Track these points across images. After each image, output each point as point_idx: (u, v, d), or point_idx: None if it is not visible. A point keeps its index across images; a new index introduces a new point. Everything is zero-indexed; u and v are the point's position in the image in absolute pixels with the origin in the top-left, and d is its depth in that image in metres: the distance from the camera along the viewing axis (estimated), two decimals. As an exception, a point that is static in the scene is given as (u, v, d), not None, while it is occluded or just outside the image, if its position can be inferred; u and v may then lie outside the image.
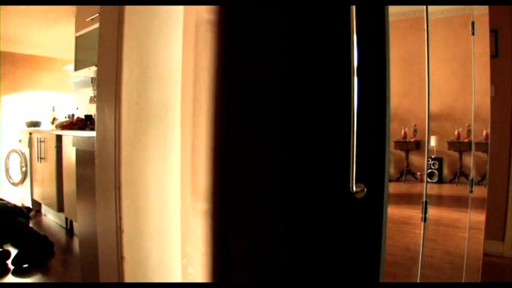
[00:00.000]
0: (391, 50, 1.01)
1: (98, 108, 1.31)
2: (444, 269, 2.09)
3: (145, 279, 1.25)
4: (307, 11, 1.18)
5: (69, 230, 3.93)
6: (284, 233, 1.28)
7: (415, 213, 1.64)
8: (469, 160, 2.38)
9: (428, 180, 2.12)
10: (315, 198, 1.18)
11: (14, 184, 5.09)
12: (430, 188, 1.71)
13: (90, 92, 4.52)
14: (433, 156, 2.50)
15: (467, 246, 2.15)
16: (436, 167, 2.53)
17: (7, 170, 5.18)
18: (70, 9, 4.21)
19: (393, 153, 2.18)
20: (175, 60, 1.30)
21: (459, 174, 2.50)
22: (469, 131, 2.36)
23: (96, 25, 3.51)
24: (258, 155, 1.35)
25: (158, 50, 1.26)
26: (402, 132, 2.19)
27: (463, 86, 2.38)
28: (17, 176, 5.02)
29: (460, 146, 2.49)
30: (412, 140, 2.13)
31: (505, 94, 3.03)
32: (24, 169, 4.85)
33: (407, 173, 2.13)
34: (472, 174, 2.27)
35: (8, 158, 5.16)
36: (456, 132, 2.49)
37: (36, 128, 4.93)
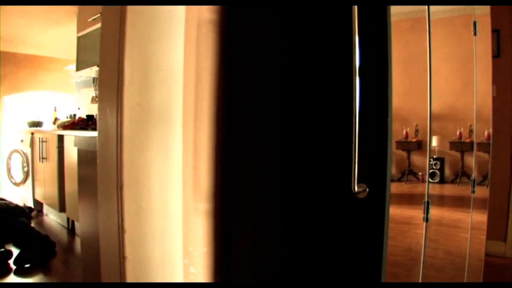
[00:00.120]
0: (392, 50, 1.00)
1: (99, 109, 1.31)
2: (446, 269, 2.09)
3: (147, 279, 1.25)
4: (309, 11, 1.18)
5: (71, 230, 3.94)
6: (285, 233, 1.28)
7: (417, 213, 1.64)
8: (471, 160, 2.37)
9: (430, 180, 2.12)
10: (317, 198, 1.18)
11: (15, 184, 5.10)
12: (431, 188, 1.70)
13: (91, 92, 4.53)
14: (434, 157, 2.49)
15: (469, 247, 2.14)
16: (438, 167, 2.53)
17: (9, 170, 5.19)
18: (72, 10, 4.21)
19: (395, 153, 2.18)
20: (177, 60, 1.30)
21: (461, 174, 2.50)
22: (470, 131, 2.36)
23: (98, 25, 3.52)
24: (260, 155, 1.35)
25: (160, 50, 1.26)
26: (404, 132, 2.19)
27: (464, 86, 2.37)
28: (18, 176, 5.04)
29: (461, 146, 2.48)
30: (414, 140, 2.13)
31: (506, 94, 3.03)
32: (26, 169, 4.86)
33: (408, 173, 2.13)
34: (474, 174, 2.26)
35: (10, 158, 5.17)
36: (458, 132, 2.49)
37: (38, 128, 4.95)
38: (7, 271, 2.80)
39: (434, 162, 2.50)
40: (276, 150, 1.31)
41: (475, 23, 2.15)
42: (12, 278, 2.70)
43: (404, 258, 1.76)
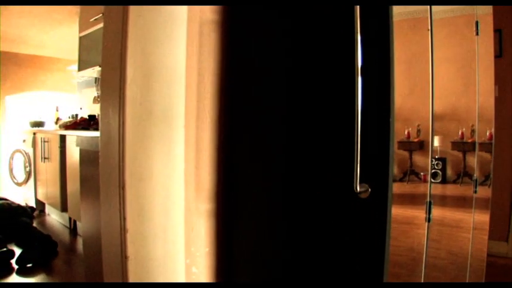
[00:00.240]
0: (394, 50, 1.00)
1: (101, 109, 1.32)
2: (448, 269, 2.09)
3: (149, 279, 1.25)
4: (311, 10, 1.18)
5: (73, 229, 3.95)
6: (288, 233, 1.28)
7: (419, 213, 1.64)
8: (473, 160, 2.36)
9: (432, 180, 2.12)
10: (319, 198, 1.18)
11: (17, 184, 5.11)
12: (433, 188, 1.70)
13: (93, 92, 4.54)
14: (436, 157, 2.49)
15: (471, 247, 2.14)
16: (440, 167, 2.52)
17: (11, 170, 5.21)
18: (74, 10, 4.22)
19: (397, 153, 2.18)
20: (179, 60, 1.30)
21: (463, 174, 2.49)
22: (472, 131, 2.35)
23: (100, 25, 3.52)
24: (262, 155, 1.35)
25: (162, 49, 1.26)
26: (406, 132, 2.19)
27: (466, 86, 2.37)
28: (20, 176, 5.05)
29: (463, 146, 2.47)
30: (416, 140, 2.12)
31: (508, 94, 3.02)
32: (28, 169, 4.87)
33: (410, 173, 2.12)
34: (476, 174, 2.26)
35: (12, 158, 5.19)
36: (460, 133, 2.48)
37: (40, 128, 4.95)
38: (9, 271, 2.81)
39: (436, 162, 2.50)
40: (278, 150, 1.31)
41: (477, 22, 2.14)
42: (14, 278, 2.71)
43: (406, 258, 1.75)
